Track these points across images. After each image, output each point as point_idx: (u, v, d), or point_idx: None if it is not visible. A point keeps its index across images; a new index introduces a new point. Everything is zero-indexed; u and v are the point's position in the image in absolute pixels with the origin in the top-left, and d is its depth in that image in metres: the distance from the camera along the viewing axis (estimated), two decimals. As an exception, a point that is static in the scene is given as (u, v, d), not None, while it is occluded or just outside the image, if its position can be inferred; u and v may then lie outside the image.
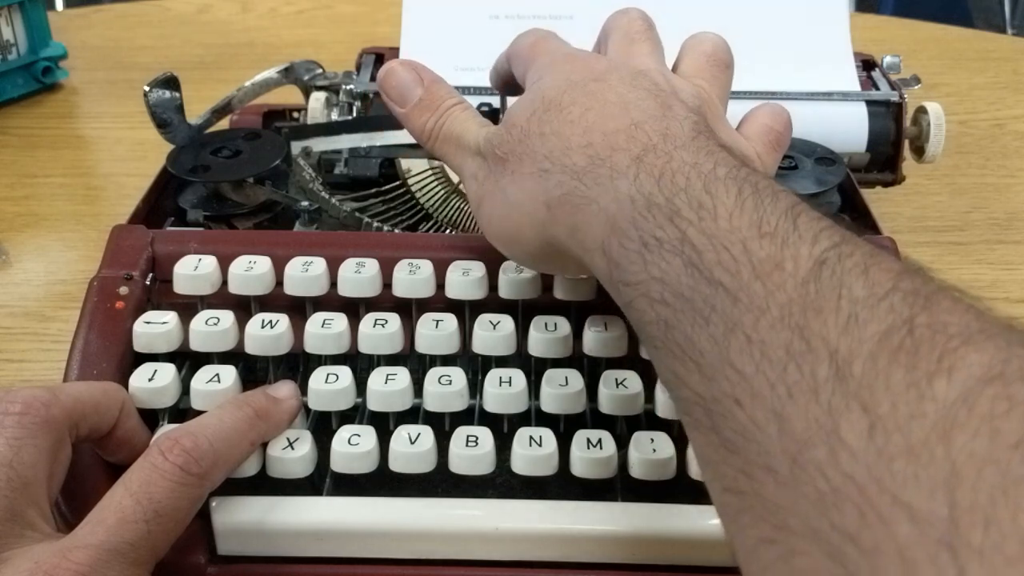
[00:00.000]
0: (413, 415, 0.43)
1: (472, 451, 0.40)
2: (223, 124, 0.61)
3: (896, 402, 0.22)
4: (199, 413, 0.42)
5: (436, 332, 0.44)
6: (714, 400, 0.27)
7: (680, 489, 0.41)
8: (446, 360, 0.44)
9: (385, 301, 0.45)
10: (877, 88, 0.63)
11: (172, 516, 0.35)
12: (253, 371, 0.45)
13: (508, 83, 0.46)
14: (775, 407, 0.25)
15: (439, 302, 0.45)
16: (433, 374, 0.43)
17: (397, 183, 0.55)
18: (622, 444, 0.42)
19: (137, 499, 0.34)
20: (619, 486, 0.42)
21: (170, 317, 0.44)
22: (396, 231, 0.52)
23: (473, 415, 0.44)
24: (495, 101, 0.58)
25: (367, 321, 0.44)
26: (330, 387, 0.42)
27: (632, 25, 0.42)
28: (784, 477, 0.24)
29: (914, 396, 0.22)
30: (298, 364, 0.46)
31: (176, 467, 0.35)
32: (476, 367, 0.45)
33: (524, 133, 0.38)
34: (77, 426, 0.37)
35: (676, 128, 0.34)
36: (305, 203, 0.52)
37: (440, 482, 0.42)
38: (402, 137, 0.57)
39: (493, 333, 0.44)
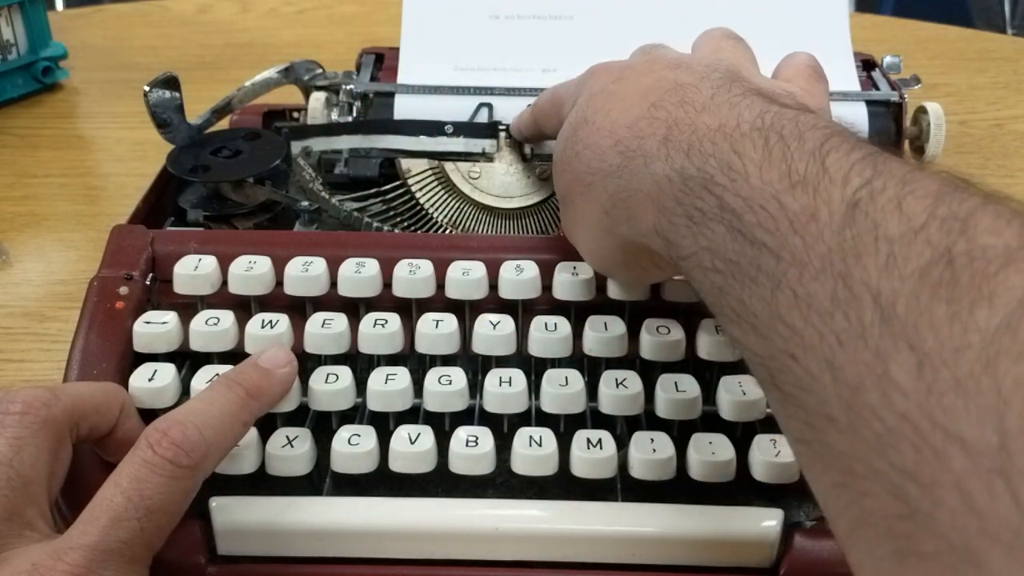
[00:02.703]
0: (413, 415, 0.43)
1: (472, 451, 0.40)
2: (223, 124, 0.61)
3: (941, 336, 0.22)
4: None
5: (436, 332, 0.44)
6: (771, 357, 0.28)
7: (680, 489, 0.41)
8: (446, 360, 0.44)
9: (385, 301, 0.45)
10: (877, 88, 0.62)
11: (165, 510, 0.34)
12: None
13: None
14: (827, 356, 0.25)
15: (439, 302, 0.45)
16: (433, 374, 0.43)
17: (397, 183, 0.55)
18: (622, 444, 0.42)
19: (128, 496, 0.33)
20: (619, 486, 0.42)
21: (170, 317, 0.44)
22: (396, 231, 0.52)
23: (473, 415, 0.44)
24: (495, 101, 0.58)
25: (367, 321, 0.44)
26: (330, 387, 0.42)
27: (715, 32, 0.43)
28: (843, 424, 0.24)
29: (958, 328, 0.22)
30: (298, 364, 0.45)
31: (166, 461, 0.34)
32: (476, 367, 0.45)
33: (564, 163, 0.40)
34: (78, 426, 0.37)
35: (693, 93, 0.34)
36: (305, 203, 0.52)
37: (440, 482, 0.42)
38: (402, 141, 0.57)
39: (493, 333, 0.44)
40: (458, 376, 0.42)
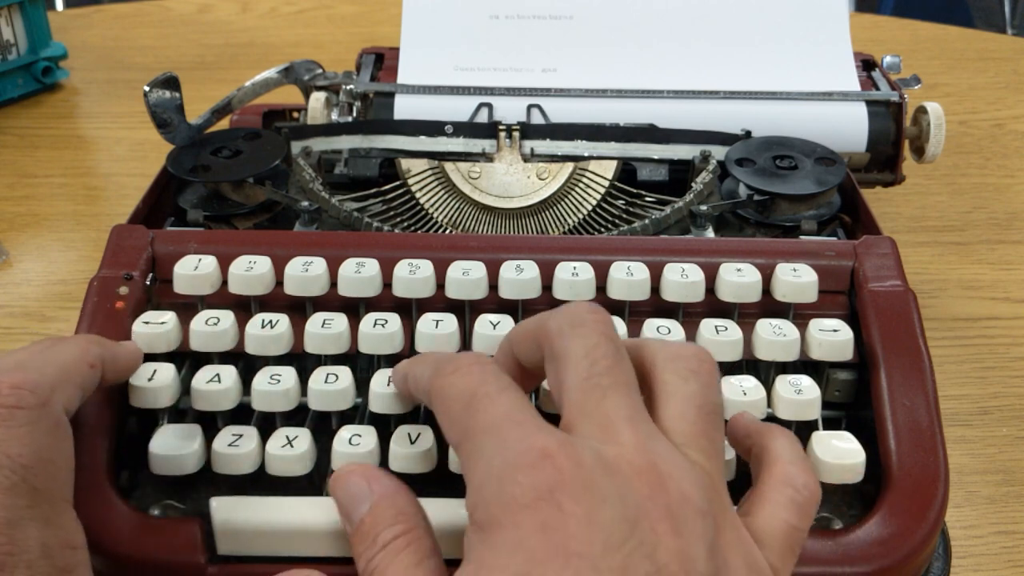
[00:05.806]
0: (413, 415, 0.43)
1: (472, 451, 0.40)
2: (223, 124, 0.61)
3: None
4: (200, 413, 0.42)
5: (436, 332, 0.44)
6: None
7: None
8: (446, 360, 0.44)
9: (385, 301, 0.45)
10: (877, 88, 0.63)
11: (41, 457, 0.32)
12: (253, 371, 0.45)
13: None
14: None
15: (439, 302, 0.45)
16: (433, 374, 0.43)
17: (397, 183, 0.55)
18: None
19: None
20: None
21: (170, 317, 0.44)
22: (396, 231, 0.52)
23: (473, 415, 0.43)
24: (495, 101, 0.58)
25: (367, 321, 0.44)
26: (330, 387, 0.42)
27: (596, 364, 0.32)
28: None
29: None
30: (298, 364, 0.46)
31: (12, 409, 0.32)
32: (476, 367, 0.45)
33: None
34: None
35: None
36: (305, 203, 0.52)
37: (440, 482, 0.42)
38: (402, 141, 0.57)
39: (493, 333, 0.44)
40: (458, 376, 0.42)
